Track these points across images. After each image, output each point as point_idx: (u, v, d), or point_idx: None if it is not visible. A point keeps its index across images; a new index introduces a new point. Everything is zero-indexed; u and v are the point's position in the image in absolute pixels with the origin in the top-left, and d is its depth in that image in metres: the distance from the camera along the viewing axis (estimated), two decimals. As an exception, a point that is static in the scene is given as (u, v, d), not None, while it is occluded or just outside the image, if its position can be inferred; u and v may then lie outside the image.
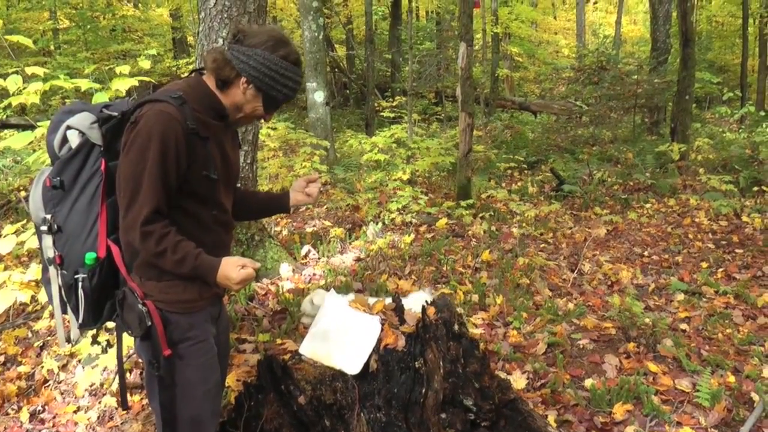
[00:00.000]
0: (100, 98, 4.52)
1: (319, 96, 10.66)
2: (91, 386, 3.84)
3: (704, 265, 6.25)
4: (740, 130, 16.25)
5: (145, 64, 5.00)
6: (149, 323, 2.33)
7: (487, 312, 4.78)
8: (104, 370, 3.81)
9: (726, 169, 10.97)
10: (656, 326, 4.52)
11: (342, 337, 3.04)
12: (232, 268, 2.32)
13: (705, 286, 5.64)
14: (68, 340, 2.53)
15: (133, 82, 4.63)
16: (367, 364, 2.96)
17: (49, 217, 2.32)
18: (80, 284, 2.34)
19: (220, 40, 4.51)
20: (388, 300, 3.31)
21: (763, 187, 9.45)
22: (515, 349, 4.23)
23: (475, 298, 4.98)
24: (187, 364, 2.42)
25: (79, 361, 4.01)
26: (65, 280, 2.35)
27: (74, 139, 2.34)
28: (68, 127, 2.34)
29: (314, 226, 7.14)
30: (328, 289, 3.60)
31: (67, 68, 14.81)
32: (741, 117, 17.28)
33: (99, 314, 2.41)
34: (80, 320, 2.38)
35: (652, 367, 3.98)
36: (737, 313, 5.03)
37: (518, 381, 3.72)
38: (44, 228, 2.32)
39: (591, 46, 25.06)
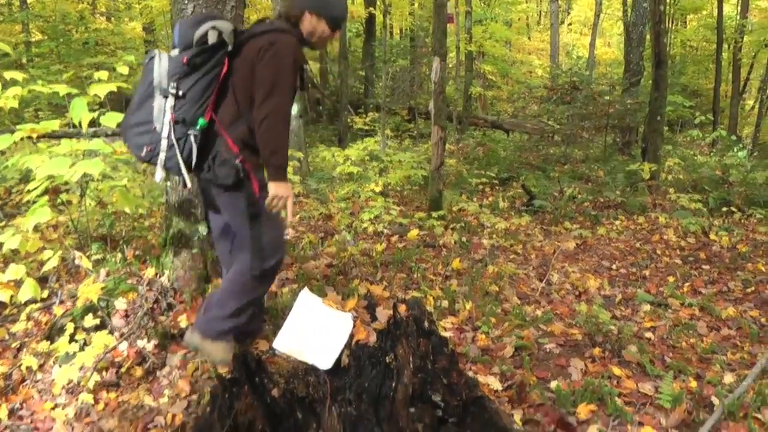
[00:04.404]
0: (79, 104, 4.58)
1: (293, 109, 10.71)
2: (68, 384, 3.85)
3: (671, 279, 6.38)
4: (711, 154, 16.48)
5: (124, 69, 5.06)
6: (242, 175, 3.35)
7: (457, 317, 4.86)
8: (81, 368, 3.84)
9: (696, 189, 11.15)
10: (622, 333, 4.62)
11: (315, 333, 3.11)
12: (291, 190, 3.43)
13: (671, 298, 5.76)
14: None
15: (112, 87, 4.69)
16: (339, 360, 3.04)
17: (174, 85, 3.27)
18: (191, 138, 3.31)
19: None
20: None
21: (732, 208, 9.64)
22: (483, 352, 4.30)
23: (445, 303, 5.06)
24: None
25: (56, 359, 4.04)
26: (175, 134, 3.30)
27: (213, 37, 3.25)
28: (213, 27, 3.25)
29: (287, 233, 7.20)
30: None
31: (40, 80, 14.75)
32: (713, 141, 17.53)
33: (192, 162, 3.34)
34: (188, 164, 3.34)
35: (617, 371, 4.08)
36: (702, 325, 5.15)
37: (493, 383, 3.80)
38: (172, 92, 3.26)
39: (565, 66, 25.32)
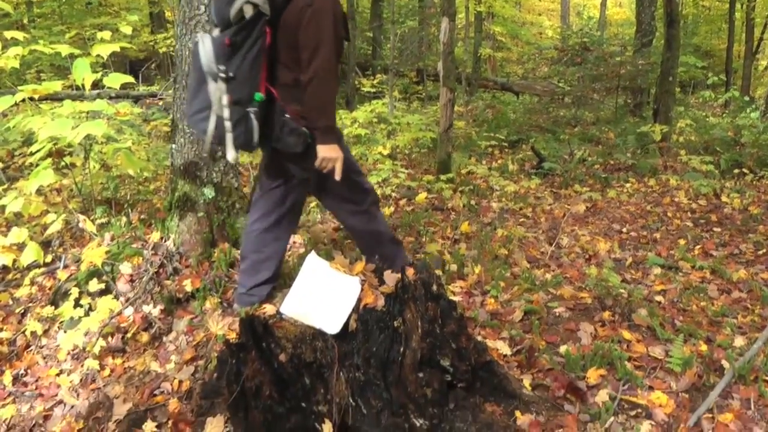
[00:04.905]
0: (82, 64, 4.51)
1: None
2: (73, 349, 3.85)
3: (682, 242, 6.31)
4: (724, 115, 16.30)
5: (127, 29, 4.98)
6: (310, 140, 3.44)
7: (466, 281, 4.82)
8: (86, 333, 3.82)
9: (707, 151, 11.02)
10: (632, 297, 4.58)
11: (322, 297, 3.07)
12: (342, 152, 3.51)
13: (682, 261, 5.70)
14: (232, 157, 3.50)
15: (115, 47, 4.62)
16: (346, 324, 3.00)
17: (223, 68, 3.27)
18: (251, 115, 3.36)
19: (202, 7, 4.46)
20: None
21: (744, 170, 9.54)
22: (492, 317, 4.27)
23: (454, 267, 5.01)
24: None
25: (61, 324, 4.02)
26: (235, 115, 3.34)
27: (249, 11, 3.24)
28: (246, 2, 3.22)
29: (295, 198, 7.15)
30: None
31: (42, 41, 14.56)
32: (725, 102, 17.35)
33: (255, 139, 3.41)
34: (250, 142, 3.41)
35: (627, 335, 4.04)
36: (712, 287, 5.09)
37: (503, 348, 3.77)
38: (222, 76, 3.27)
39: (575, 27, 25.06)
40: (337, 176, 3.49)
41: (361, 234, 3.92)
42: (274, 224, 3.84)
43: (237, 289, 3.97)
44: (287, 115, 3.43)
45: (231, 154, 3.43)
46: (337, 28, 3.34)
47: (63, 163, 5.06)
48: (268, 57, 3.40)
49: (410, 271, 3.10)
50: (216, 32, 3.37)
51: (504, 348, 3.77)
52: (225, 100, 3.31)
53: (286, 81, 3.45)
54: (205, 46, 3.30)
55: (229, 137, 3.37)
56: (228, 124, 3.35)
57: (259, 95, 3.37)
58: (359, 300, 3.06)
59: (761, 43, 24.97)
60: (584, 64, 15.31)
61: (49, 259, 4.56)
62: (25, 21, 18.69)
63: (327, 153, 3.43)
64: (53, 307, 4.10)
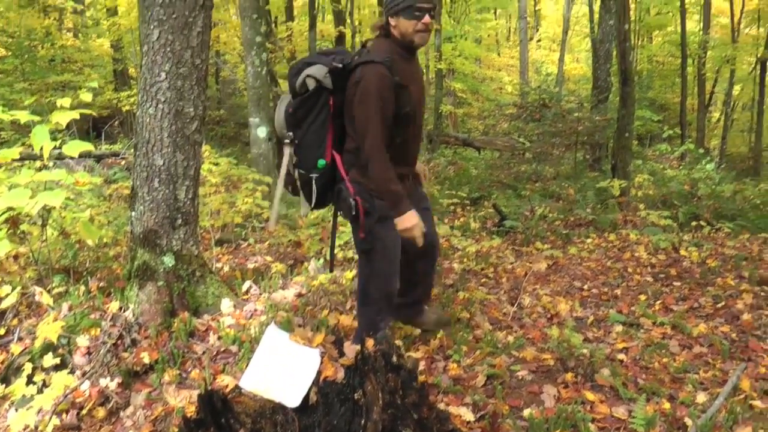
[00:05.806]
0: (40, 131, 4.48)
1: (261, 131, 10.54)
2: (24, 429, 3.72)
3: (643, 297, 6.36)
4: (680, 167, 16.62)
5: (87, 97, 4.95)
6: (355, 213, 3.57)
7: (428, 346, 4.80)
8: (39, 412, 3.71)
9: (666, 204, 11.22)
10: (594, 356, 4.58)
11: (282, 370, 3.04)
12: (415, 219, 3.60)
13: (643, 317, 5.73)
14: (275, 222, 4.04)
15: (74, 114, 4.60)
16: (306, 397, 2.97)
17: (291, 134, 3.58)
18: (314, 181, 3.60)
19: (163, 74, 4.48)
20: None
21: (701, 222, 9.70)
22: (455, 382, 4.24)
23: (416, 332, 5.00)
24: (386, 231, 3.66)
25: (12, 403, 3.91)
26: (302, 178, 3.66)
27: (311, 84, 3.46)
28: (308, 76, 3.44)
29: (256, 262, 7.10)
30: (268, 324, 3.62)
31: (3, 99, 14.48)
32: (681, 154, 17.70)
33: (322, 202, 3.72)
34: (312, 204, 3.71)
35: (590, 396, 4.04)
36: (674, 343, 5.12)
37: (466, 414, 3.74)
38: (287, 141, 3.58)
39: (534, 83, 25.49)
40: (419, 242, 3.68)
41: (361, 313, 4.04)
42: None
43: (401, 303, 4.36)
44: (345, 180, 3.60)
45: (303, 210, 3.87)
46: (385, 109, 3.45)
47: (20, 231, 4.99)
48: (337, 125, 3.61)
49: (370, 343, 3.08)
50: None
51: (467, 414, 3.74)
52: (292, 162, 3.64)
53: (349, 148, 3.64)
54: (279, 111, 3.63)
55: (301, 194, 3.73)
56: (298, 184, 3.69)
57: (322, 162, 3.58)
58: (319, 372, 3.03)
59: (713, 96, 25.69)
60: (543, 120, 15.57)
61: (2, 332, 4.46)
62: (-13, 77, 18.56)
63: (402, 224, 3.59)
64: (4, 385, 3.98)
